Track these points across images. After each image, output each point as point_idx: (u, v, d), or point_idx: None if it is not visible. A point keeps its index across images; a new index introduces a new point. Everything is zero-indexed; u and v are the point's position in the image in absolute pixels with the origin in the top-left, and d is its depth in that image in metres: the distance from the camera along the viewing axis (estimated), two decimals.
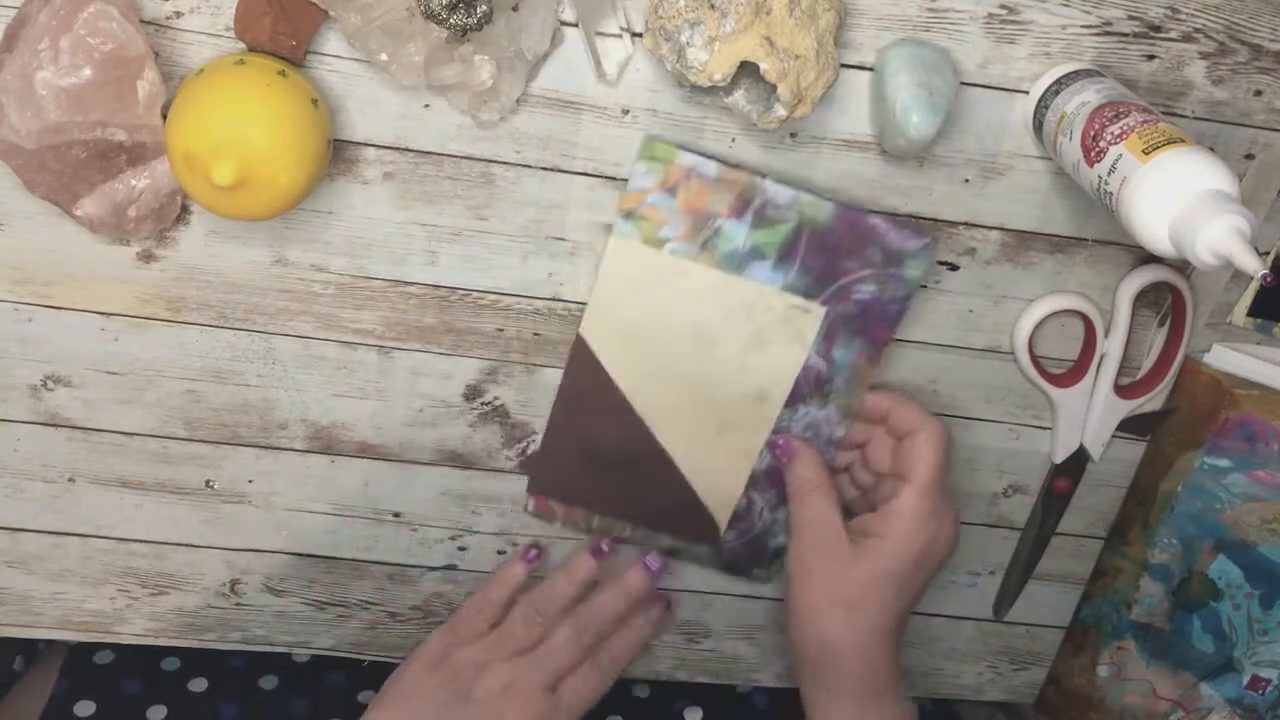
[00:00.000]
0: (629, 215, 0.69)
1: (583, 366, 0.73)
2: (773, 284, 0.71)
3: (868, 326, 0.72)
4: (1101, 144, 0.61)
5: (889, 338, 0.73)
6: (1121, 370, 0.77)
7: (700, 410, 0.74)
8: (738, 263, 0.70)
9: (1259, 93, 0.70)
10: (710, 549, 0.79)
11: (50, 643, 0.86)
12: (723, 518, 0.78)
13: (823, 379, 0.73)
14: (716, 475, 0.76)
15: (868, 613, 0.72)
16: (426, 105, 0.67)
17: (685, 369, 0.73)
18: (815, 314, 0.71)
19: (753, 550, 0.79)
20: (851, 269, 0.70)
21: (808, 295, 0.71)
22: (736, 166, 0.68)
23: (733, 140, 0.69)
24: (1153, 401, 0.79)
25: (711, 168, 0.68)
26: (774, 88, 0.63)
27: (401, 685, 0.76)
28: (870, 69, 0.68)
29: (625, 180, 0.69)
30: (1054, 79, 0.67)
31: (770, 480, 0.77)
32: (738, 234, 0.69)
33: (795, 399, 0.74)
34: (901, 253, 0.70)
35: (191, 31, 0.64)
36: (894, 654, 0.73)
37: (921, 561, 0.72)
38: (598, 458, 0.76)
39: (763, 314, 0.71)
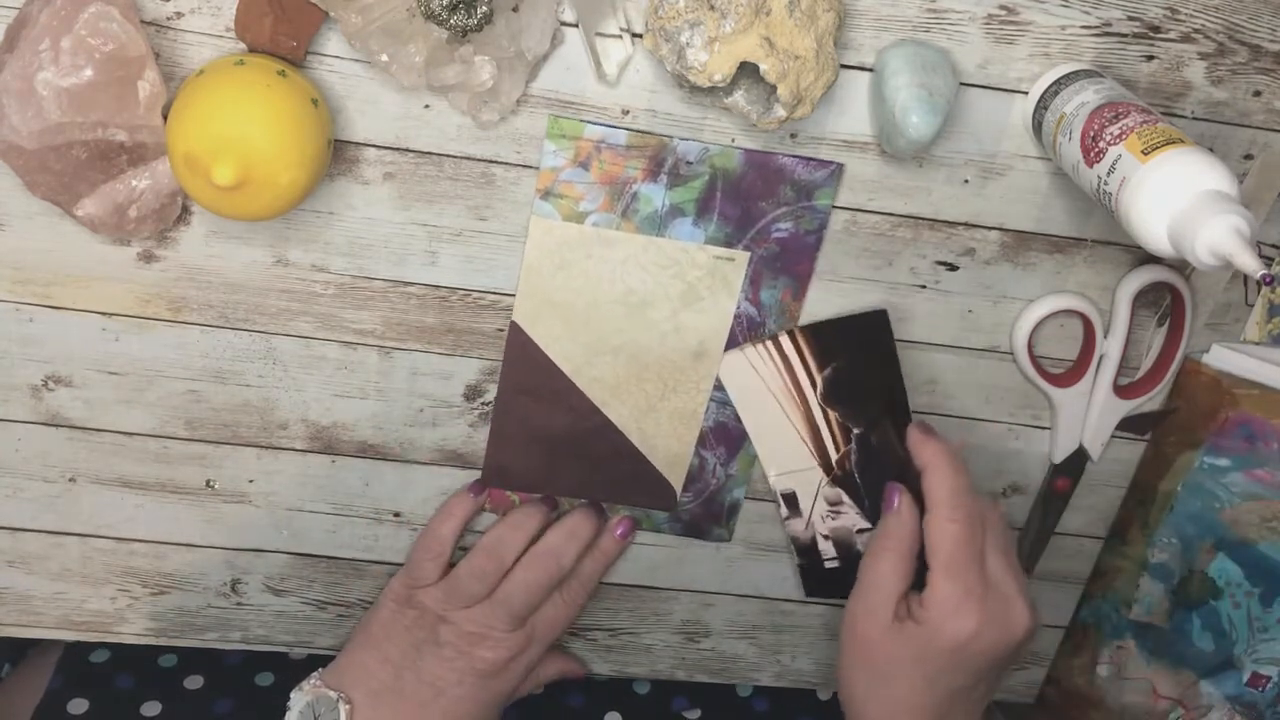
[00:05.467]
0: (546, 195, 0.69)
1: (521, 353, 0.73)
2: (695, 240, 0.71)
3: (789, 263, 0.73)
4: (1101, 144, 0.61)
5: (811, 270, 0.73)
6: (1121, 370, 0.77)
7: (643, 378, 0.75)
8: (659, 224, 0.70)
9: (1258, 93, 0.70)
10: (669, 515, 0.80)
11: (43, 640, 0.87)
12: (678, 481, 0.79)
13: (754, 322, 0.74)
14: (666, 439, 0.77)
15: (896, 687, 0.69)
16: (427, 106, 0.67)
17: (623, 339, 0.74)
18: (740, 261, 0.72)
19: (709, 510, 0.80)
20: (767, 210, 0.71)
21: (729, 244, 0.72)
22: (644, 131, 0.68)
23: (732, 140, 0.69)
24: (1152, 401, 0.79)
25: (621, 136, 0.68)
26: (774, 88, 0.63)
27: (372, 629, 0.77)
28: (870, 69, 0.68)
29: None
30: (1053, 79, 0.67)
31: (718, 436, 0.77)
32: (655, 196, 0.70)
33: (731, 348, 0.74)
34: (810, 184, 0.70)
35: (192, 32, 0.64)
36: None
37: (958, 655, 0.68)
38: (548, 440, 0.76)
39: (690, 270, 0.72)
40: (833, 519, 0.78)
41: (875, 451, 0.76)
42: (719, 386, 0.76)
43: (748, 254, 0.72)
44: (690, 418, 0.77)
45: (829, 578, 0.81)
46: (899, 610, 0.70)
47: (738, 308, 0.73)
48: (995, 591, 0.69)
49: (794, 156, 0.69)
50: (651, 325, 0.73)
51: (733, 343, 0.74)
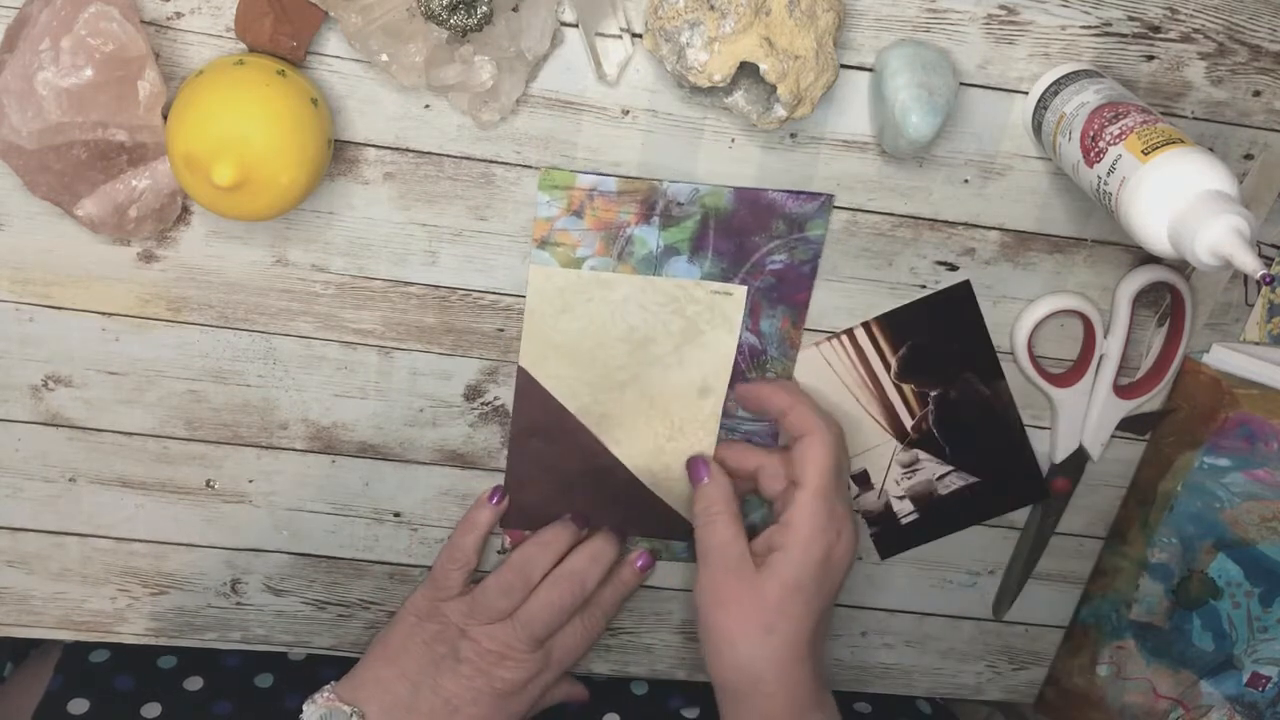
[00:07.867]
0: (543, 244, 0.70)
1: (530, 397, 0.74)
2: (691, 276, 0.72)
3: (786, 293, 0.73)
4: (1101, 144, 0.61)
5: (807, 298, 0.74)
6: (1121, 370, 0.77)
7: (650, 416, 0.75)
8: (655, 264, 0.71)
9: (1258, 93, 0.70)
10: (688, 544, 0.80)
11: (43, 640, 0.86)
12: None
13: (757, 352, 0.74)
14: (678, 482, 0.78)
15: (783, 631, 0.70)
16: (427, 106, 0.67)
17: (627, 374, 0.74)
18: (738, 295, 0.72)
19: None
20: (760, 244, 0.71)
21: (725, 278, 0.72)
22: (634, 176, 0.69)
23: (732, 140, 0.69)
24: (1152, 401, 0.79)
25: (611, 183, 0.69)
26: (774, 88, 0.63)
27: (390, 643, 0.77)
28: (870, 69, 0.68)
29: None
30: (1053, 79, 0.67)
31: None
32: (649, 238, 0.70)
33: (736, 378, 0.75)
34: (801, 217, 0.71)
35: (192, 32, 0.64)
36: (813, 668, 0.71)
37: (825, 569, 0.71)
38: (562, 480, 0.77)
39: (689, 306, 0.72)
40: (908, 479, 0.80)
41: (955, 403, 0.77)
42: (728, 414, 0.76)
43: (745, 287, 0.72)
44: (700, 452, 0.77)
45: (905, 532, 0.82)
46: (755, 555, 0.72)
47: (740, 339, 0.74)
48: (844, 509, 0.72)
49: (783, 191, 0.70)
50: (655, 359, 0.74)
51: (737, 371, 0.75)
